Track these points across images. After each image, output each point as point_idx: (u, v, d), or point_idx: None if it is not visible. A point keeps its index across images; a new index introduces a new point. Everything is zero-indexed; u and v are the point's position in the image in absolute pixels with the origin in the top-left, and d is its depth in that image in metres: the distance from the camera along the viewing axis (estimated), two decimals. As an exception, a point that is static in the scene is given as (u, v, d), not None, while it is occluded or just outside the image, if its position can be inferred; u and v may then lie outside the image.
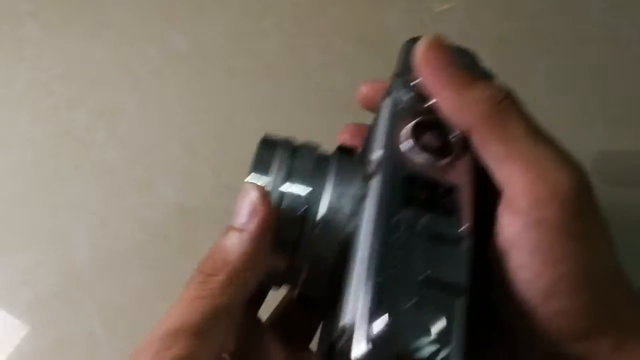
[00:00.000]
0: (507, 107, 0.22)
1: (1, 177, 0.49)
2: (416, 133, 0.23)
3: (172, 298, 0.44)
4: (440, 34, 0.24)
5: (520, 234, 0.21)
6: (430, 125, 0.23)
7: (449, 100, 0.23)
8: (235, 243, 0.23)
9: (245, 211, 0.23)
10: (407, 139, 0.23)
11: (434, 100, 0.24)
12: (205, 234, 0.47)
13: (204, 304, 0.23)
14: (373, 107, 0.32)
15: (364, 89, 0.32)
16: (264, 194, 0.24)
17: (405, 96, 0.24)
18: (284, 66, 0.54)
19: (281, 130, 0.50)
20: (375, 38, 0.55)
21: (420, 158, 0.23)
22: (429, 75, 0.24)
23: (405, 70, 0.25)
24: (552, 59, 0.54)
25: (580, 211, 0.21)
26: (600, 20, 0.57)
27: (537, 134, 0.22)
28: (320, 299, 0.27)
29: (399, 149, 0.23)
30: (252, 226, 0.23)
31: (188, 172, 0.49)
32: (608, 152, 0.46)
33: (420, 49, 0.24)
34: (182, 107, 0.52)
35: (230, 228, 0.24)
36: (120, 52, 0.54)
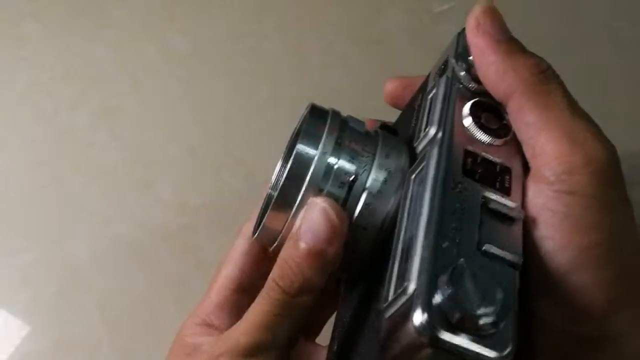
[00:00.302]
0: (549, 77, 0.23)
1: (1, 177, 0.49)
2: (474, 112, 0.23)
3: (172, 298, 0.44)
4: (493, 4, 0.25)
5: (549, 203, 0.21)
6: (487, 107, 0.24)
7: (493, 65, 0.23)
8: (317, 265, 0.23)
9: (325, 231, 0.23)
10: (466, 116, 0.23)
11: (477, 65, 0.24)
12: (205, 234, 0.47)
13: (289, 323, 0.24)
14: (400, 104, 0.32)
15: (391, 86, 0.33)
16: (344, 216, 0.23)
17: (461, 77, 0.25)
18: (284, 66, 0.54)
19: (281, 130, 0.50)
20: (375, 38, 0.56)
21: (478, 136, 0.23)
22: (478, 39, 0.24)
23: (461, 54, 0.25)
24: (551, 60, 0.54)
25: (612, 182, 0.21)
26: (600, 20, 0.57)
27: (575, 107, 0.22)
28: (345, 274, 0.27)
29: (459, 125, 0.23)
30: (333, 250, 0.23)
31: (188, 172, 0.49)
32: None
33: (474, 13, 0.24)
34: (182, 107, 0.52)
35: (306, 246, 0.23)
36: (120, 52, 0.54)
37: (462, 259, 0.18)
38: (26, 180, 0.49)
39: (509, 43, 0.24)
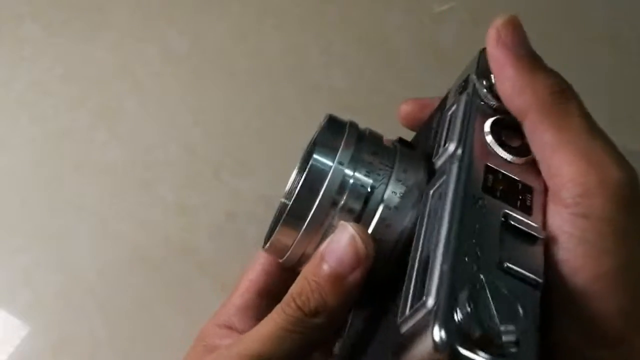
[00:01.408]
0: (568, 97, 0.22)
1: (1, 177, 0.49)
2: (496, 129, 0.23)
3: (172, 298, 0.44)
4: (516, 16, 0.24)
5: (565, 226, 0.21)
6: (508, 125, 0.23)
7: (511, 80, 0.23)
8: (337, 289, 0.23)
9: (349, 257, 0.23)
10: (487, 133, 0.23)
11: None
12: (205, 234, 0.47)
13: (299, 339, 0.24)
14: (415, 125, 0.32)
15: (407, 107, 0.32)
16: (370, 243, 0.23)
17: (482, 94, 0.24)
18: (284, 66, 0.54)
19: (281, 130, 0.50)
20: (375, 38, 0.55)
21: (499, 153, 0.22)
22: (498, 51, 0.23)
23: (483, 71, 0.25)
24: (551, 60, 0.54)
25: (630, 206, 0.20)
26: (600, 20, 0.57)
27: (594, 129, 0.22)
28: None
29: (479, 141, 0.23)
30: (356, 277, 0.23)
31: (188, 172, 0.49)
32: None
33: (495, 24, 0.24)
34: (182, 107, 0.52)
35: (328, 268, 0.23)
36: (120, 52, 0.54)
37: (482, 276, 0.18)
38: (26, 180, 0.49)
39: (530, 59, 0.23)
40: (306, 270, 0.24)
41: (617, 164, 0.21)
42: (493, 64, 0.24)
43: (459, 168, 0.22)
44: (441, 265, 0.19)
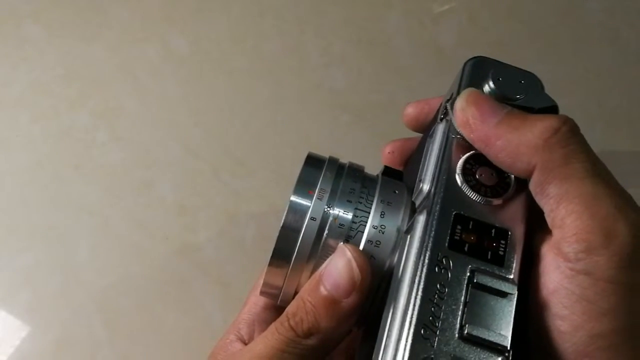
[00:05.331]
0: (566, 137, 0.21)
1: (1, 177, 0.49)
2: (469, 168, 0.22)
3: (171, 298, 0.44)
4: (473, 89, 0.23)
5: (565, 281, 0.20)
6: (485, 160, 0.22)
7: (504, 150, 0.21)
8: (331, 312, 0.23)
9: (345, 282, 0.23)
10: (459, 173, 0.22)
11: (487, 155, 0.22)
12: (204, 234, 0.47)
13: (290, 359, 0.24)
14: (420, 128, 0.31)
15: (411, 110, 0.31)
16: (366, 269, 0.23)
17: (458, 127, 0.23)
18: (284, 66, 0.54)
19: (281, 130, 0.50)
20: (375, 38, 0.56)
21: (472, 196, 0.21)
22: (476, 133, 0.22)
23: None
24: (551, 60, 0.54)
25: (634, 264, 0.19)
26: (599, 21, 0.57)
27: (597, 173, 0.21)
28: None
29: (450, 184, 0.21)
30: (351, 302, 0.23)
31: (188, 172, 0.49)
32: (607, 152, 0.46)
33: (457, 111, 0.22)
34: (182, 107, 0.52)
35: (325, 291, 0.23)
36: (120, 52, 0.54)
37: (438, 351, 0.17)
38: (26, 180, 0.49)
39: (508, 119, 0.22)
40: (303, 291, 0.24)
41: (622, 216, 0.20)
42: (479, 146, 0.22)
43: (425, 223, 0.21)
44: (395, 343, 0.18)
